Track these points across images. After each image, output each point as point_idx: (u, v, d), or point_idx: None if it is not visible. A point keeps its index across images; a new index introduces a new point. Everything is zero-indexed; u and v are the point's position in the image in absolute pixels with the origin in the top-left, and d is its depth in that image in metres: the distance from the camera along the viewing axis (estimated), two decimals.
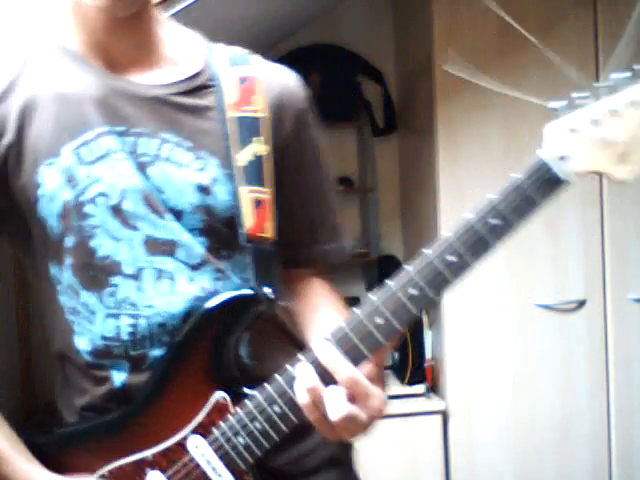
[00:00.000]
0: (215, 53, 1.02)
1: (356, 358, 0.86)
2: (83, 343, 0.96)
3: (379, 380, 0.88)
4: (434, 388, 2.54)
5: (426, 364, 2.54)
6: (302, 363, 0.87)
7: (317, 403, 0.85)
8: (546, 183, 0.85)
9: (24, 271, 1.09)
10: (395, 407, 2.43)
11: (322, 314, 1.05)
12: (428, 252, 0.87)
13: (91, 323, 0.95)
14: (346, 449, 1.08)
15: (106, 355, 0.95)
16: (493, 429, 2.45)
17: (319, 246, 1.08)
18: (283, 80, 1.03)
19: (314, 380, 0.85)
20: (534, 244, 2.40)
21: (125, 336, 0.94)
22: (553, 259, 2.45)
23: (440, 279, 0.87)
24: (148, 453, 0.94)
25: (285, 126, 1.01)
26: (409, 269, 0.88)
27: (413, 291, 0.87)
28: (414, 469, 2.42)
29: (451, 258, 0.86)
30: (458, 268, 0.86)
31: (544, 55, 2.37)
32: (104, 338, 0.95)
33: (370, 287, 2.78)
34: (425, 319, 2.56)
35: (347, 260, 1.12)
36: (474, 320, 2.44)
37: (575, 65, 2.42)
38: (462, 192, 2.41)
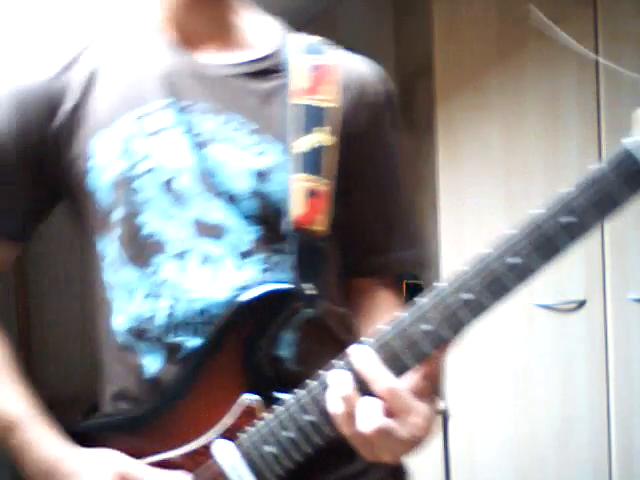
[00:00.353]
0: (290, 40, 0.99)
1: (399, 367, 0.77)
2: (120, 322, 0.92)
3: (426, 395, 0.78)
4: None
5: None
6: (337, 369, 0.79)
7: (351, 414, 0.77)
8: (634, 176, 0.72)
9: (24, 271, 1.09)
10: None
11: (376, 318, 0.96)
12: (487, 251, 0.77)
13: (129, 302, 0.91)
14: (398, 475, 0.98)
15: (140, 337, 0.91)
16: (493, 429, 2.45)
17: (393, 253, 1.00)
18: (363, 72, 1.00)
19: (348, 388, 0.77)
20: None
21: (162, 319, 0.90)
22: None
23: (499, 283, 0.77)
24: (174, 454, 0.89)
25: (359, 119, 0.96)
26: (463, 269, 0.78)
27: (467, 295, 0.78)
28: (414, 469, 2.42)
29: (513, 260, 0.77)
30: (521, 271, 0.77)
31: (544, 55, 2.37)
32: (140, 319, 0.91)
33: None
34: None
35: (422, 268, 1.04)
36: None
37: (575, 65, 2.42)
38: (462, 191, 2.41)
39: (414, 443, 0.78)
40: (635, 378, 2.47)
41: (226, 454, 0.87)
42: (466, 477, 2.45)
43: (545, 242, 0.77)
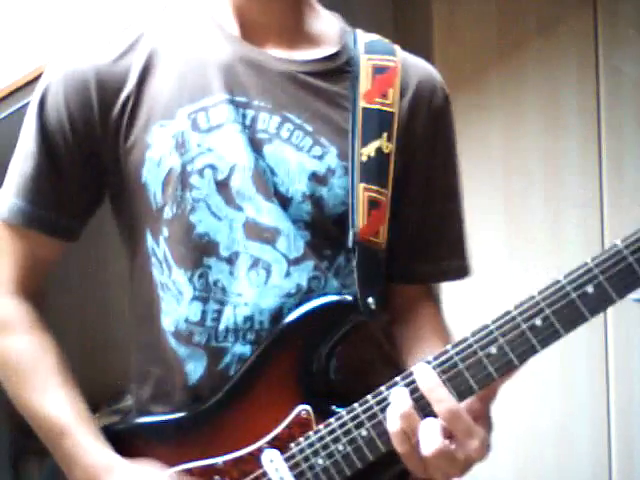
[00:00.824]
0: (355, 36, 0.97)
1: (461, 390, 0.78)
2: (168, 322, 0.90)
3: (483, 419, 0.80)
4: None
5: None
6: (399, 387, 0.79)
7: (409, 433, 0.77)
8: None
9: None
10: None
11: (428, 344, 0.94)
12: (560, 279, 0.79)
13: (178, 303, 0.89)
14: None
15: (188, 340, 0.89)
16: (493, 429, 2.44)
17: (439, 262, 0.99)
18: (422, 75, 0.97)
19: (410, 407, 0.77)
20: (534, 244, 2.40)
21: (209, 322, 0.88)
22: (553, 259, 2.45)
23: (572, 312, 0.81)
24: (219, 460, 0.87)
25: (417, 125, 0.94)
26: (534, 294, 0.79)
27: (537, 321, 0.79)
28: None
29: (588, 289, 0.80)
30: (593, 301, 0.80)
31: (544, 55, 2.37)
32: (188, 321, 0.89)
33: None
34: None
35: (467, 277, 1.03)
36: (474, 320, 2.43)
37: (575, 65, 2.43)
38: None
39: (468, 466, 0.81)
40: (635, 378, 2.47)
41: (274, 464, 0.85)
42: (466, 477, 2.44)
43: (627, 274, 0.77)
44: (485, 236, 2.40)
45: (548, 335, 0.79)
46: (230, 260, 0.87)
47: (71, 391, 0.92)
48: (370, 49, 0.95)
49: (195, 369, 0.89)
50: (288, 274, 0.87)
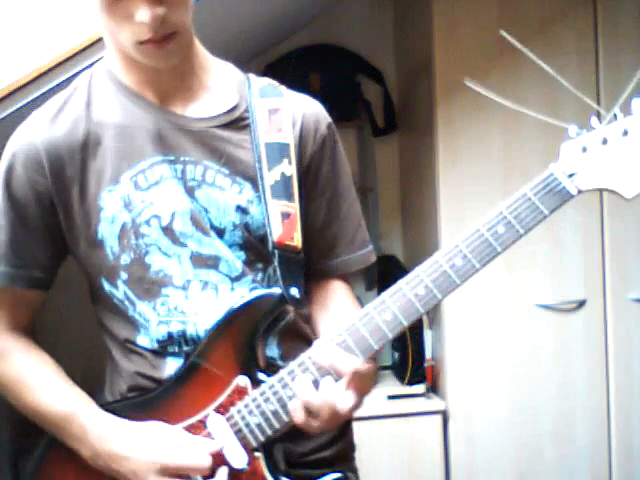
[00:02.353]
0: (249, 83, 1.14)
1: (365, 348, 0.98)
2: (144, 342, 1.08)
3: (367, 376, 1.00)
4: (434, 388, 2.54)
5: (426, 364, 2.54)
6: (300, 379, 0.99)
7: (306, 408, 0.98)
8: (553, 195, 1.01)
9: None
10: (395, 407, 2.43)
11: (331, 313, 1.16)
12: (437, 254, 0.95)
13: (147, 329, 1.08)
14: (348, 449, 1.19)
15: (163, 353, 1.08)
16: (493, 429, 2.45)
17: (339, 258, 1.18)
18: (307, 109, 1.15)
19: (309, 394, 0.98)
20: (534, 244, 2.40)
21: (177, 338, 1.07)
22: (553, 259, 2.45)
23: (446, 281, 0.96)
24: (175, 428, 1.03)
25: (308, 150, 1.13)
26: (417, 269, 0.96)
27: (421, 290, 0.97)
28: (414, 469, 2.42)
29: (458, 261, 0.96)
30: (464, 271, 0.96)
31: (544, 55, 2.37)
32: (159, 342, 1.07)
33: (370, 287, 2.78)
34: (425, 319, 2.56)
35: (370, 264, 1.21)
36: (474, 320, 2.44)
37: (575, 65, 2.42)
38: (462, 192, 2.41)
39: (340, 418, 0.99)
40: (635, 378, 2.47)
41: (217, 425, 1.03)
42: (466, 477, 2.45)
43: (486, 247, 0.97)
44: None
45: (427, 301, 0.97)
46: (184, 287, 1.07)
47: (72, 385, 1.09)
48: (264, 93, 1.14)
49: (172, 365, 1.08)
50: (233, 289, 1.07)
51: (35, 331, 1.14)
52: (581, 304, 2.45)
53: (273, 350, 1.10)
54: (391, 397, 2.46)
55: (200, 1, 1.49)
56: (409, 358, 2.55)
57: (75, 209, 1.07)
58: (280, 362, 1.09)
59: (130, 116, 1.07)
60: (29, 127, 1.08)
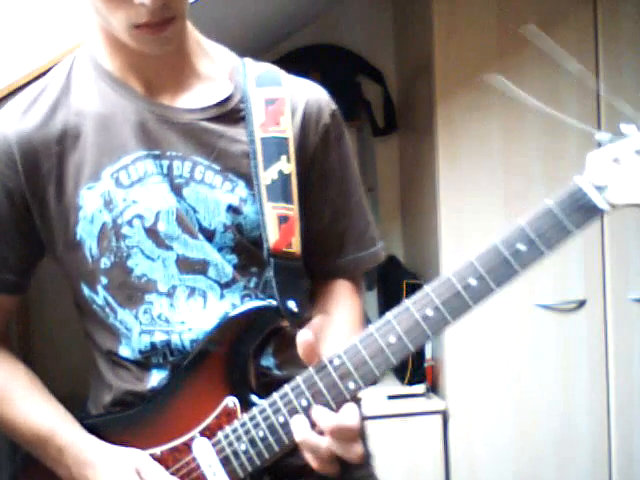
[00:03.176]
0: (244, 71, 1.04)
1: (367, 374, 0.88)
2: (125, 353, 1.00)
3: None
4: (434, 388, 2.54)
5: (426, 364, 2.54)
6: (298, 417, 0.89)
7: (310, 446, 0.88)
8: (580, 211, 0.84)
9: None
10: (395, 407, 2.43)
11: (332, 321, 1.06)
12: (449, 273, 0.86)
13: (129, 338, 0.99)
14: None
15: (146, 364, 1.00)
16: (493, 429, 2.44)
17: (347, 257, 1.09)
18: (308, 97, 1.04)
19: (307, 434, 0.88)
20: None
21: (160, 349, 0.98)
22: (553, 259, 2.44)
23: (459, 301, 0.86)
24: (157, 450, 0.96)
25: (310, 142, 1.03)
26: (427, 288, 0.87)
27: (429, 312, 0.86)
28: (414, 469, 2.42)
29: (472, 282, 0.85)
30: (478, 292, 0.86)
31: (543, 55, 2.37)
32: (141, 352, 0.99)
33: (370, 287, 2.77)
34: None
35: (379, 263, 1.13)
36: (474, 320, 2.44)
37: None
38: (462, 192, 2.41)
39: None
40: (635, 378, 2.47)
41: (203, 450, 0.95)
42: (466, 477, 2.45)
43: (504, 266, 0.85)
44: (485, 236, 2.40)
45: (438, 322, 0.87)
46: (169, 294, 0.98)
47: (48, 400, 1.01)
48: (260, 82, 1.03)
49: (157, 378, 1.00)
50: (222, 296, 0.98)
51: (33, 333, 1.10)
52: (581, 304, 2.45)
53: (268, 359, 1.01)
54: (391, 397, 2.46)
55: (199, 1, 1.49)
56: (409, 358, 2.55)
57: (52, 207, 0.98)
58: (276, 372, 1.01)
59: (112, 106, 0.98)
60: (1, 119, 0.99)
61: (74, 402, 1.06)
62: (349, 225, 1.09)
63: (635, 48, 2.41)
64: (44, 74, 1.03)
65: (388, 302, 2.50)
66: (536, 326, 2.44)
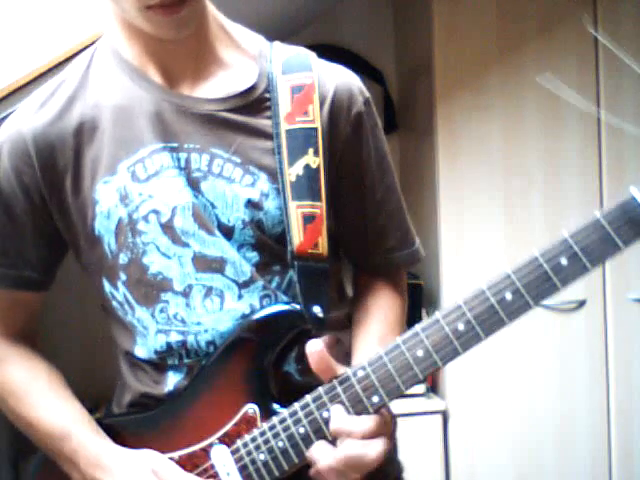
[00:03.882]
0: (271, 56, 0.99)
1: (392, 389, 0.86)
2: (141, 353, 0.98)
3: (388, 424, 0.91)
4: (434, 388, 2.54)
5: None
6: (322, 444, 0.87)
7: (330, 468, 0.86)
8: (633, 225, 0.78)
9: None
10: (395, 407, 2.42)
11: (368, 322, 1.03)
12: (485, 285, 0.81)
13: (145, 337, 0.97)
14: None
15: (162, 365, 0.97)
16: (493, 429, 2.44)
17: (388, 254, 1.05)
18: (339, 82, 0.99)
19: (329, 458, 0.86)
20: (534, 244, 2.39)
21: (176, 349, 0.95)
22: None
23: (492, 318, 0.82)
24: (175, 455, 0.94)
25: (340, 133, 0.97)
26: (459, 301, 0.83)
27: (460, 326, 0.83)
28: (414, 469, 2.42)
29: (508, 296, 0.81)
30: (514, 308, 0.82)
31: (544, 55, 2.37)
32: (157, 352, 0.96)
33: None
34: (425, 318, 2.56)
35: (418, 262, 1.09)
36: None
37: (575, 65, 2.42)
38: (462, 192, 2.41)
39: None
40: (635, 378, 2.47)
41: (221, 458, 0.92)
42: (466, 477, 2.45)
43: (543, 281, 0.80)
44: (485, 236, 2.40)
45: (469, 338, 0.83)
46: (185, 293, 0.94)
47: (66, 400, 0.99)
48: (287, 69, 0.97)
49: (173, 380, 0.97)
50: (240, 297, 0.94)
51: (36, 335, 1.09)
52: (581, 304, 2.45)
53: (290, 365, 0.96)
54: None
55: None
56: None
57: (70, 203, 0.96)
58: (297, 378, 0.96)
59: (130, 97, 0.94)
60: (18, 115, 0.97)
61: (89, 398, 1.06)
62: (391, 221, 1.04)
63: (635, 48, 2.41)
64: (62, 65, 1.02)
65: None
66: (536, 326, 2.44)
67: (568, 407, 2.46)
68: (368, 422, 0.86)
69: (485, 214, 2.41)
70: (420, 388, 2.49)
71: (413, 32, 2.68)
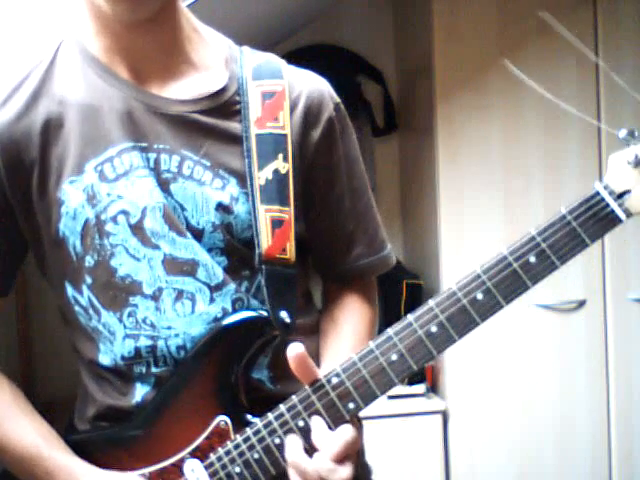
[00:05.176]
0: (242, 61, 0.98)
1: (367, 393, 0.85)
2: (105, 361, 0.95)
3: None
4: (434, 388, 2.54)
5: (426, 364, 2.53)
6: (292, 436, 0.86)
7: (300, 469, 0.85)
8: (598, 220, 0.78)
9: (23, 271, 1.08)
10: (395, 407, 2.42)
11: (337, 337, 1.02)
12: (453, 286, 0.81)
13: (111, 343, 0.93)
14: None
15: (129, 374, 0.94)
16: (493, 429, 2.44)
17: (356, 262, 1.03)
18: (310, 89, 0.98)
19: (299, 456, 0.85)
20: None
21: (145, 356, 0.92)
22: None
23: (465, 319, 0.82)
24: (146, 471, 0.91)
25: (311, 138, 0.97)
26: (431, 303, 0.83)
27: (433, 328, 0.82)
28: (414, 469, 2.42)
29: (479, 296, 0.81)
30: (486, 308, 0.82)
31: (544, 55, 2.37)
32: (124, 358, 0.93)
33: None
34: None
35: (390, 269, 1.08)
36: None
37: (575, 65, 2.42)
38: (462, 192, 2.41)
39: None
40: (635, 378, 2.47)
41: (195, 473, 0.89)
42: (466, 477, 2.45)
43: (513, 280, 0.80)
44: (485, 236, 2.40)
45: (442, 340, 0.83)
46: (154, 296, 0.91)
47: (32, 418, 0.95)
48: (257, 74, 0.97)
49: (140, 391, 0.94)
50: (212, 300, 0.92)
51: (34, 333, 1.06)
52: (581, 304, 2.45)
53: (262, 372, 0.95)
54: (391, 397, 2.46)
55: (199, 1, 1.49)
56: None
57: (35, 203, 0.92)
58: (269, 386, 0.95)
59: (97, 93, 0.92)
60: None
61: (74, 403, 1.05)
62: (358, 227, 1.03)
63: (635, 48, 2.41)
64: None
65: (388, 302, 2.50)
66: (536, 326, 2.44)
67: (568, 407, 2.46)
68: (339, 443, 0.85)
69: (485, 214, 2.41)
70: (420, 388, 2.50)
71: (413, 32, 2.68)
